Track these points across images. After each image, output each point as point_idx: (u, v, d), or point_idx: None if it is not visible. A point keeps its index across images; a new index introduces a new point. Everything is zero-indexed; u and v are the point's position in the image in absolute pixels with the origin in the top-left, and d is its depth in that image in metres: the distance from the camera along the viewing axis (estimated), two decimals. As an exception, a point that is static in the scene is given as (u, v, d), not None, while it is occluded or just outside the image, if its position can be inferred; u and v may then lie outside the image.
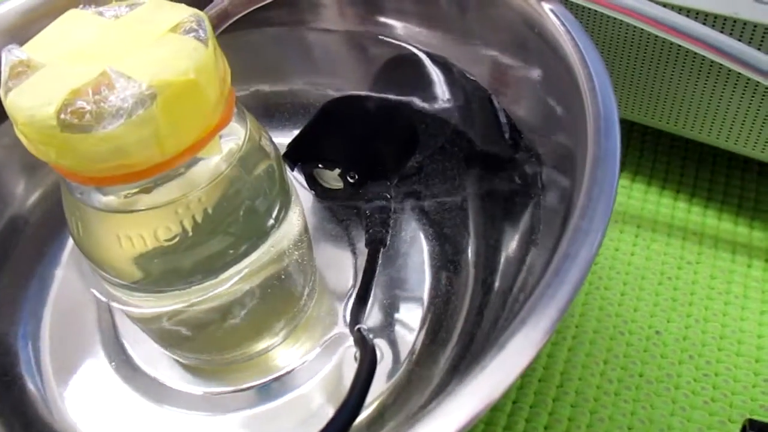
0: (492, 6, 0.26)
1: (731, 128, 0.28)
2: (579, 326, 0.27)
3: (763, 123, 0.27)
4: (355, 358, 0.22)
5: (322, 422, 0.17)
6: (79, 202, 0.18)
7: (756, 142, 0.28)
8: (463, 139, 0.29)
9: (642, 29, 0.25)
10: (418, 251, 0.28)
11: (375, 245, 0.27)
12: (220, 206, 0.19)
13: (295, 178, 0.29)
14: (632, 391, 0.25)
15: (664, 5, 0.23)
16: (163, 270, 0.19)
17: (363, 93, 0.31)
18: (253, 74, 0.33)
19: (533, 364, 0.26)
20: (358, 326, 0.24)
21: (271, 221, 0.21)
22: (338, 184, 0.28)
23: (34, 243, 0.28)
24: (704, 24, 0.23)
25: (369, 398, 0.19)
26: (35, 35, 0.17)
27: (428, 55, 0.30)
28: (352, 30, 0.31)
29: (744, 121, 0.27)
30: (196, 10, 0.17)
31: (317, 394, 0.24)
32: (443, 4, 0.29)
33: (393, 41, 0.31)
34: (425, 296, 0.26)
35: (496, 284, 0.24)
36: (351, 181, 0.27)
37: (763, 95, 0.26)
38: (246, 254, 0.20)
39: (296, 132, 0.29)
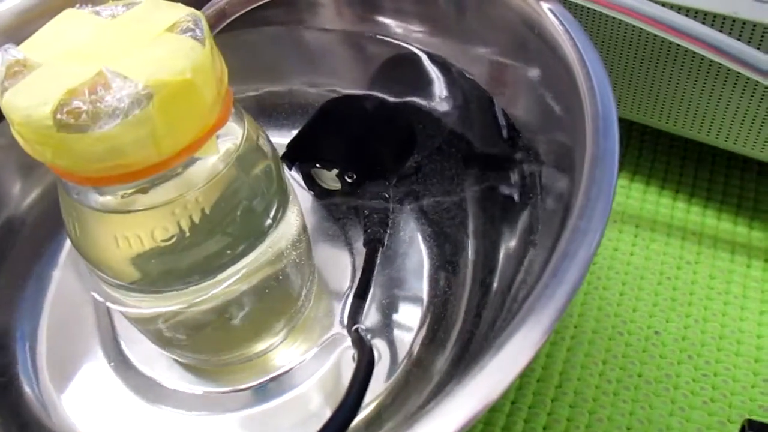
0: (491, 5, 0.26)
1: (730, 128, 0.28)
2: (578, 326, 0.27)
3: (763, 122, 0.27)
4: (353, 359, 0.22)
5: (320, 422, 0.17)
6: (76, 202, 0.18)
7: (755, 142, 0.28)
8: (461, 139, 0.29)
9: (641, 29, 0.25)
10: (416, 251, 0.28)
11: (373, 245, 0.26)
12: (218, 206, 0.19)
13: (294, 178, 0.29)
14: (631, 391, 0.25)
15: (663, 4, 0.23)
16: (161, 270, 0.19)
17: (361, 93, 0.31)
18: (251, 74, 0.33)
19: (532, 365, 0.26)
20: (355, 327, 0.23)
21: (269, 221, 0.21)
22: (336, 185, 0.28)
23: (32, 244, 0.28)
24: (703, 23, 0.23)
25: (367, 398, 0.19)
26: (32, 35, 0.17)
27: (427, 54, 0.30)
28: (350, 29, 0.31)
29: (743, 120, 0.27)
30: (193, 10, 0.17)
31: (315, 394, 0.24)
32: (442, 3, 0.29)
33: (391, 41, 0.31)
34: (424, 296, 0.26)
35: (495, 284, 0.24)
36: (349, 181, 0.27)
37: (763, 95, 0.26)
38: (244, 254, 0.20)
39: (294, 132, 0.29)
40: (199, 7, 0.21)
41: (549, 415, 0.25)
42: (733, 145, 0.29)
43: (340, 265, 0.28)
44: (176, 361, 0.25)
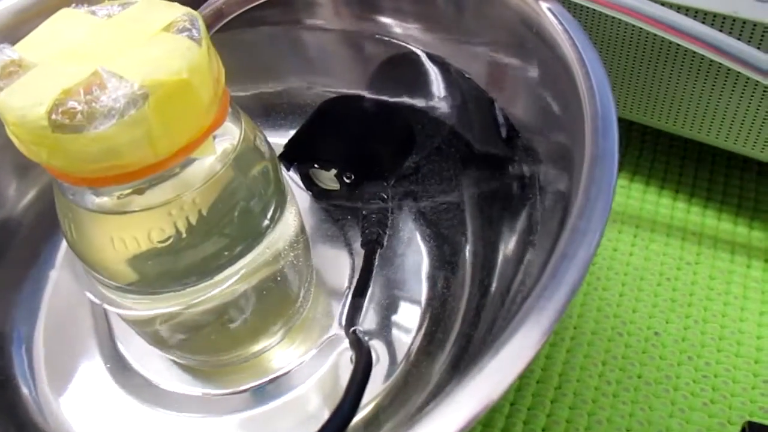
0: (489, 5, 0.26)
1: (730, 128, 0.28)
2: (577, 327, 0.27)
3: (763, 122, 0.27)
4: (351, 360, 0.22)
5: (319, 423, 0.17)
6: (72, 203, 0.18)
7: (755, 142, 0.28)
8: (460, 139, 0.29)
9: (641, 28, 0.25)
10: (415, 252, 0.28)
11: (372, 246, 0.26)
12: (215, 207, 0.19)
13: (292, 179, 0.29)
14: (631, 392, 0.25)
15: (663, 4, 0.23)
16: (158, 272, 0.19)
17: (359, 93, 0.31)
18: (249, 74, 0.33)
19: (531, 366, 0.25)
20: (353, 328, 0.23)
21: (267, 222, 0.21)
22: (335, 185, 0.28)
23: (28, 244, 0.28)
24: (703, 23, 0.23)
25: (365, 400, 0.19)
26: (27, 34, 0.17)
27: (425, 54, 0.30)
28: (348, 29, 0.31)
29: (743, 120, 0.27)
30: (189, 9, 0.17)
31: (313, 395, 0.24)
32: (440, 2, 0.29)
33: (390, 40, 0.30)
34: (422, 297, 0.26)
35: (494, 285, 0.24)
36: (347, 181, 0.27)
37: (763, 94, 0.26)
38: (241, 255, 0.20)
39: (292, 132, 0.29)
40: (196, 7, 0.21)
41: (548, 416, 0.25)
42: (733, 145, 0.28)
43: (338, 266, 0.28)
44: (174, 362, 0.25)
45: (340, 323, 0.25)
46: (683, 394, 0.25)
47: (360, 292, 0.25)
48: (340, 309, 0.26)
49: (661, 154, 0.34)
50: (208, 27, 0.26)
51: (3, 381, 0.25)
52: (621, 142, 0.17)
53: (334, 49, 0.32)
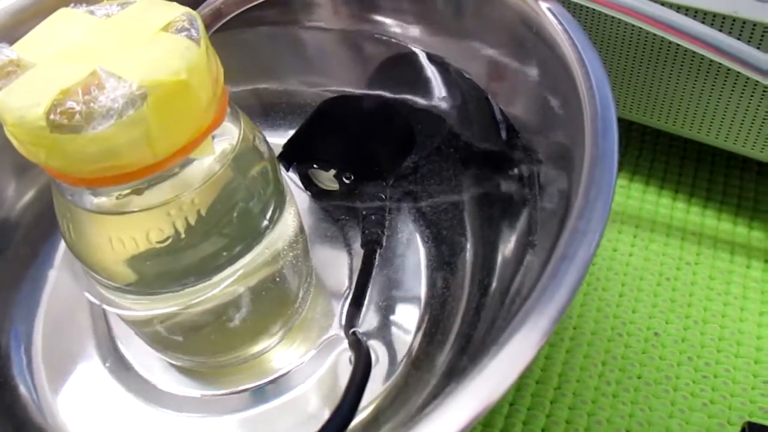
0: (489, 5, 0.26)
1: (730, 128, 0.28)
2: (577, 328, 0.27)
3: (763, 122, 0.27)
4: (350, 362, 0.22)
5: (318, 424, 0.17)
6: (70, 203, 0.18)
7: (755, 142, 0.27)
8: (459, 139, 0.29)
9: (640, 28, 0.25)
10: (414, 252, 0.28)
11: (371, 246, 0.26)
12: (214, 207, 0.18)
13: (291, 179, 0.29)
14: (630, 393, 0.25)
15: (663, 4, 0.23)
16: (156, 272, 0.19)
17: (359, 92, 0.31)
18: (248, 73, 0.32)
19: (530, 366, 0.25)
20: (353, 329, 0.23)
21: (266, 222, 0.21)
22: (334, 185, 0.28)
23: (27, 244, 0.28)
24: (703, 23, 0.23)
25: (364, 401, 0.19)
26: (26, 34, 0.17)
27: (425, 54, 0.30)
28: (347, 29, 0.31)
29: (743, 120, 0.27)
30: (188, 9, 0.17)
31: (313, 396, 0.24)
32: (440, 2, 0.29)
33: (389, 40, 0.30)
34: (422, 297, 0.26)
35: (493, 285, 0.24)
36: (347, 181, 0.27)
37: (763, 94, 0.26)
38: (240, 256, 0.20)
39: (291, 132, 0.29)
40: (194, 7, 0.21)
41: (548, 417, 0.25)
42: (732, 145, 0.28)
43: (337, 266, 0.28)
44: (173, 363, 0.25)
45: (339, 324, 0.25)
46: (683, 394, 0.25)
47: (359, 292, 0.25)
48: (339, 309, 0.26)
49: (660, 154, 0.34)
50: (207, 27, 0.26)
51: (1, 381, 0.25)
52: (620, 142, 0.17)
53: (333, 49, 0.32)
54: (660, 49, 0.27)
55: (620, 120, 0.18)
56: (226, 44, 0.21)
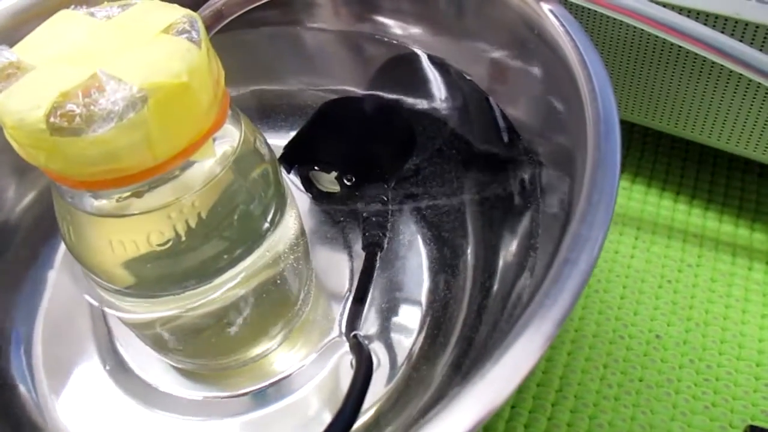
0: (490, 6, 0.26)
1: (732, 130, 0.28)
2: (578, 330, 0.27)
3: (765, 124, 0.26)
4: (352, 365, 0.22)
5: (319, 428, 0.17)
6: (71, 206, 0.18)
7: (757, 144, 0.27)
8: (460, 141, 0.29)
9: (642, 30, 0.25)
10: (415, 254, 0.27)
11: (372, 248, 0.26)
12: (214, 210, 0.18)
13: (292, 181, 0.29)
14: (632, 396, 0.25)
15: (665, 6, 0.23)
16: (157, 275, 0.19)
17: (360, 94, 0.31)
18: (248, 75, 0.32)
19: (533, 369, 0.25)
20: (354, 332, 0.23)
21: (267, 225, 0.20)
22: (335, 187, 0.28)
23: (27, 246, 0.28)
24: (705, 25, 0.23)
25: (366, 404, 0.19)
26: (25, 36, 0.17)
27: (426, 55, 0.30)
28: (347, 30, 0.31)
29: (745, 122, 0.27)
30: (189, 11, 0.17)
31: (314, 399, 0.24)
32: (441, 3, 0.29)
33: (390, 41, 0.30)
34: (423, 300, 0.26)
35: (495, 288, 0.24)
36: (348, 183, 0.27)
37: (765, 96, 0.26)
38: (241, 258, 0.20)
39: (292, 134, 0.29)
40: (195, 8, 0.21)
41: (549, 420, 0.25)
42: (734, 147, 0.28)
43: (338, 269, 0.27)
44: (173, 365, 0.25)
45: (340, 327, 0.25)
46: (685, 397, 0.25)
47: (360, 295, 0.25)
48: (340, 312, 0.26)
49: (662, 156, 0.34)
50: (208, 28, 0.26)
51: (1, 382, 0.25)
52: (623, 144, 0.17)
53: (334, 51, 0.32)
54: (662, 50, 0.27)
55: (622, 122, 0.18)
56: (226, 46, 0.21)
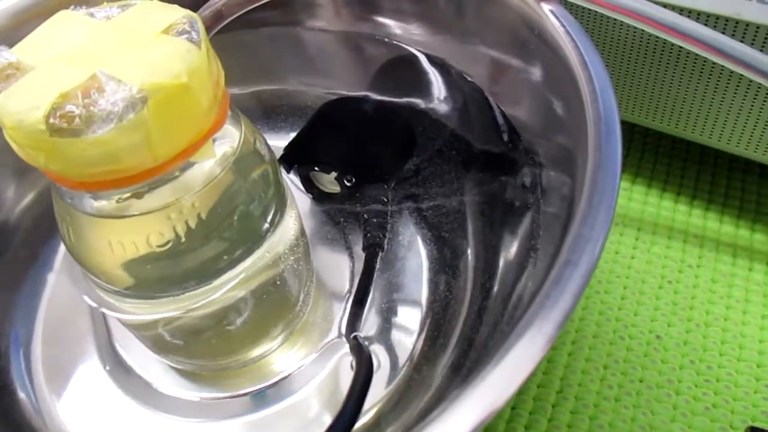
0: (491, 6, 0.26)
1: (733, 130, 0.28)
2: (579, 331, 0.27)
3: (765, 125, 0.26)
4: (352, 367, 0.22)
5: (319, 429, 0.17)
6: (70, 206, 0.18)
7: (758, 145, 0.27)
8: (461, 142, 0.28)
9: (643, 30, 0.25)
10: (416, 255, 0.27)
11: (372, 249, 0.26)
12: (214, 211, 0.18)
13: (292, 182, 0.29)
14: (632, 396, 0.25)
15: (665, 6, 0.23)
16: (156, 276, 0.19)
17: (360, 94, 0.31)
18: (248, 76, 0.32)
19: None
20: (354, 333, 0.23)
21: (267, 226, 0.20)
22: (335, 188, 0.28)
23: (26, 247, 0.28)
24: (706, 25, 0.23)
25: (366, 405, 0.19)
26: (25, 37, 0.17)
27: (426, 56, 0.30)
28: (348, 30, 0.31)
29: (746, 123, 0.27)
30: (188, 11, 0.17)
31: (314, 400, 0.24)
32: (441, 4, 0.29)
33: (390, 42, 0.30)
34: (423, 300, 0.26)
35: (495, 288, 0.24)
36: (348, 184, 0.27)
37: (765, 97, 0.26)
38: (241, 259, 0.20)
39: (292, 134, 0.29)
40: (195, 9, 0.21)
41: (549, 421, 0.25)
42: (735, 147, 0.28)
43: (339, 269, 0.27)
44: (173, 366, 0.25)
45: (340, 328, 0.25)
46: (685, 398, 0.25)
47: (361, 296, 0.25)
48: (340, 313, 0.26)
49: (663, 157, 0.34)
50: (208, 29, 0.25)
51: (0, 384, 0.25)
52: (623, 145, 0.17)
53: (334, 51, 0.32)
54: (662, 51, 0.27)
55: (623, 122, 0.18)
56: (226, 46, 0.21)
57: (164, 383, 0.25)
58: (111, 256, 0.18)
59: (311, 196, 0.29)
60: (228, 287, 0.20)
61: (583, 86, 0.19)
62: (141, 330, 0.23)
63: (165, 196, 0.17)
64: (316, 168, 0.28)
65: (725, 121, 0.28)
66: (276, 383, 0.24)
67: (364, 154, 0.28)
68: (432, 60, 0.30)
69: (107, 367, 0.26)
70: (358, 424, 0.22)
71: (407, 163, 0.29)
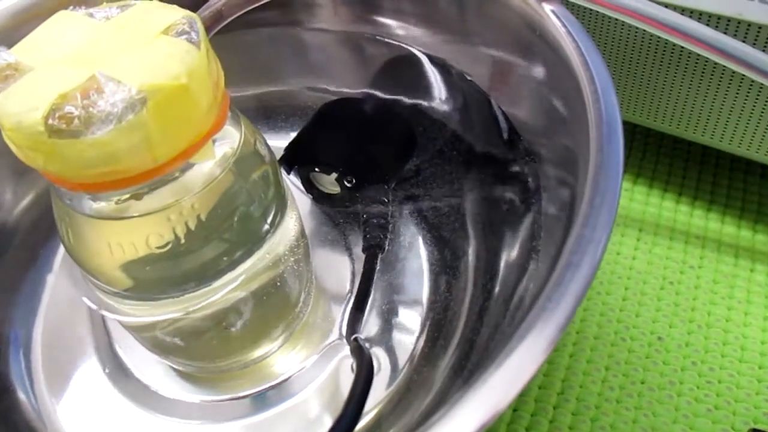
0: (492, 7, 0.26)
1: (734, 131, 0.28)
2: (580, 332, 0.27)
3: (767, 126, 0.26)
4: (352, 369, 0.22)
5: (320, 431, 0.17)
6: (69, 208, 0.18)
7: (759, 145, 0.27)
8: (461, 142, 0.28)
9: (644, 31, 0.25)
10: (416, 256, 0.27)
11: (373, 250, 0.26)
12: (214, 212, 0.18)
13: (292, 182, 0.29)
14: (634, 398, 0.25)
15: (667, 6, 0.23)
16: (156, 277, 0.19)
17: (360, 95, 0.31)
18: (248, 76, 0.32)
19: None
20: (354, 335, 0.23)
21: (267, 227, 0.20)
22: (335, 188, 0.28)
23: (25, 248, 0.28)
24: (707, 25, 0.23)
25: (367, 407, 0.19)
26: (24, 37, 0.17)
27: (427, 56, 0.30)
28: (348, 30, 0.31)
29: (747, 123, 0.27)
30: (188, 12, 0.17)
31: (314, 402, 0.24)
32: (442, 3, 0.28)
33: (391, 42, 0.30)
34: (424, 301, 0.26)
35: (496, 290, 0.24)
36: (348, 185, 0.27)
37: (767, 97, 0.25)
38: (241, 261, 0.20)
39: (293, 135, 0.29)
40: (195, 9, 0.21)
41: (551, 422, 0.24)
42: (737, 148, 0.28)
43: (339, 270, 0.27)
44: (173, 368, 0.25)
45: (340, 330, 0.25)
46: (687, 400, 0.25)
47: (361, 297, 0.25)
48: (340, 314, 0.26)
49: (664, 157, 0.34)
50: (208, 29, 0.25)
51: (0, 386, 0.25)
52: (624, 145, 0.17)
53: (334, 51, 0.32)
54: (663, 51, 0.27)
55: (624, 123, 0.18)
56: (226, 47, 0.21)
57: (164, 385, 0.25)
58: (110, 258, 0.18)
59: (311, 196, 0.29)
60: (228, 289, 0.20)
61: (584, 86, 0.19)
62: (140, 332, 0.22)
63: (164, 198, 0.17)
64: (316, 169, 0.27)
65: (727, 121, 0.27)
66: (276, 385, 0.24)
67: (364, 154, 0.28)
68: (433, 60, 0.30)
69: (107, 369, 0.25)
70: (359, 426, 0.22)
71: (407, 163, 0.29)
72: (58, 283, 0.28)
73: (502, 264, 0.24)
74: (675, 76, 0.28)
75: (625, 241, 0.30)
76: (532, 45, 0.24)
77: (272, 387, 0.24)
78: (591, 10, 0.27)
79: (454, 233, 0.27)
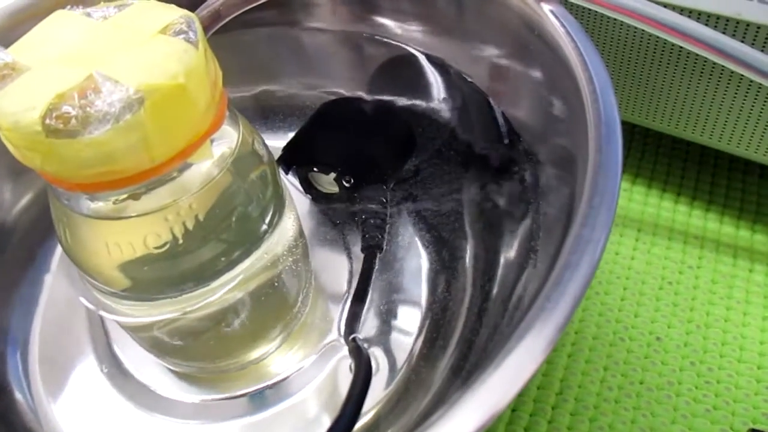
0: (490, 6, 0.26)
1: (733, 131, 0.28)
2: (578, 332, 0.27)
3: (766, 126, 0.26)
4: (350, 369, 0.22)
5: (318, 431, 0.17)
6: (67, 208, 0.18)
7: (758, 145, 0.27)
8: (460, 142, 0.28)
9: (643, 31, 0.25)
10: (415, 256, 0.27)
11: (371, 250, 0.26)
12: (212, 212, 0.18)
13: (290, 182, 0.29)
14: (633, 398, 0.25)
15: (665, 6, 0.23)
16: (153, 278, 0.19)
17: (359, 95, 0.31)
18: (246, 76, 0.32)
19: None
20: (353, 335, 0.23)
21: (265, 227, 0.20)
22: (334, 188, 0.28)
23: (23, 248, 0.28)
24: (706, 25, 0.23)
25: (366, 407, 0.19)
26: (21, 37, 0.16)
27: (425, 56, 0.30)
28: (346, 30, 0.31)
29: (746, 123, 0.27)
30: (186, 11, 0.17)
31: (312, 402, 0.24)
32: (440, 3, 0.28)
33: (389, 41, 0.30)
34: (423, 302, 0.26)
35: (495, 290, 0.24)
36: (347, 185, 0.27)
37: (766, 97, 0.25)
38: (239, 261, 0.20)
39: (291, 135, 0.29)
40: (193, 9, 0.21)
41: (549, 423, 0.24)
42: (735, 148, 0.28)
43: (337, 270, 0.27)
44: (171, 368, 0.25)
45: (339, 330, 0.25)
46: (686, 400, 0.25)
47: (359, 298, 0.24)
48: (339, 314, 0.26)
49: (663, 157, 0.34)
50: (206, 29, 0.25)
51: (-2, 386, 0.25)
52: (623, 146, 0.17)
53: (333, 51, 0.32)
54: (662, 51, 0.27)
55: (623, 123, 0.18)
56: (224, 46, 0.21)
57: (162, 385, 0.25)
58: (108, 258, 0.18)
59: (310, 196, 0.29)
60: (226, 289, 0.20)
61: (583, 87, 0.19)
62: (138, 332, 0.22)
63: (162, 198, 0.17)
64: (314, 169, 0.27)
65: (725, 121, 0.27)
66: (275, 385, 0.24)
67: (362, 154, 0.27)
68: (431, 60, 0.29)
69: (104, 369, 0.25)
70: (357, 426, 0.22)
71: (406, 163, 0.29)
72: (55, 283, 0.28)
73: (501, 264, 0.24)
74: (674, 76, 0.28)
75: (623, 241, 0.30)
76: (530, 45, 0.24)
77: (270, 387, 0.24)
78: (590, 10, 0.27)
79: (453, 233, 0.27)
